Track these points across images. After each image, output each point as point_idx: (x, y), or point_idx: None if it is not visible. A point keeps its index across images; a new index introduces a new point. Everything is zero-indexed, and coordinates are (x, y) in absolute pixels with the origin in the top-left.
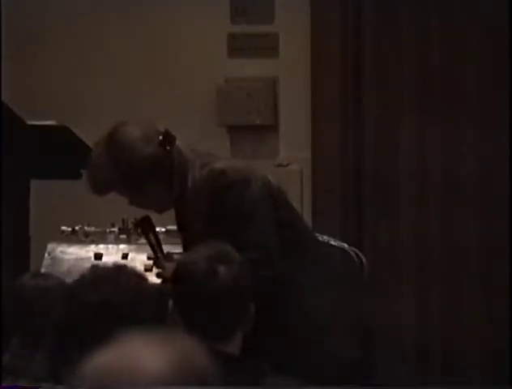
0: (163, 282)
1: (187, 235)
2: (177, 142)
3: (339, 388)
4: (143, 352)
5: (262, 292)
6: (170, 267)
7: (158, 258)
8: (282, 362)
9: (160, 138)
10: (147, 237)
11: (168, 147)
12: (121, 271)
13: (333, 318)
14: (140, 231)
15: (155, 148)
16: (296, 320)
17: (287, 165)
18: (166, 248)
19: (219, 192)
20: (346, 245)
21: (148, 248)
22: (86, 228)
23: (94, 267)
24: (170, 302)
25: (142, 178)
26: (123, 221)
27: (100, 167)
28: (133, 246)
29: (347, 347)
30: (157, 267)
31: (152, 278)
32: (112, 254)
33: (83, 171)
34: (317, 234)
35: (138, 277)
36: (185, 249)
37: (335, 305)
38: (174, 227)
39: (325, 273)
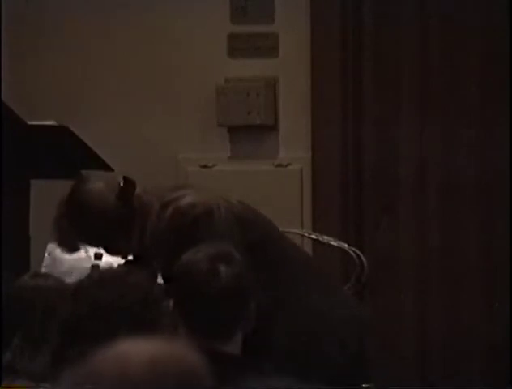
0: None
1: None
2: (138, 187)
3: (339, 388)
4: (129, 350)
5: None
6: None
7: None
8: (282, 362)
9: (121, 185)
10: None
11: (128, 198)
12: (128, 273)
13: (325, 316)
14: None
15: (115, 203)
16: (290, 321)
17: (287, 165)
18: None
19: (185, 230)
20: (346, 245)
21: None
22: None
23: (98, 267)
24: (171, 302)
25: (108, 234)
26: None
27: (65, 229)
28: None
29: (346, 346)
30: None
31: None
32: None
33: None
34: (317, 234)
35: (145, 278)
36: None
37: (324, 304)
38: None
39: (302, 289)
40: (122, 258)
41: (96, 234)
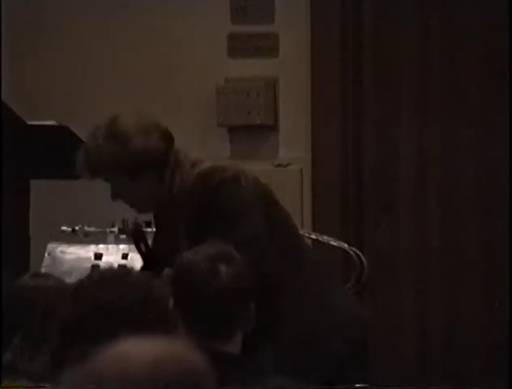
0: None
1: (164, 237)
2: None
3: (339, 388)
4: (130, 350)
5: (267, 285)
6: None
7: (147, 264)
8: (282, 362)
9: (161, 133)
10: (137, 246)
11: (166, 145)
12: (128, 273)
13: (325, 315)
14: (131, 239)
15: (154, 142)
16: (290, 320)
17: (287, 165)
18: None
19: (210, 190)
20: (346, 245)
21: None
22: (86, 228)
23: (98, 267)
24: (171, 301)
25: (136, 169)
26: (123, 221)
27: (94, 150)
28: (133, 246)
29: (346, 341)
30: None
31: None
32: (112, 254)
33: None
34: (317, 234)
35: (145, 279)
36: (157, 252)
37: (326, 303)
38: None
39: (313, 272)
40: (139, 211)
41: (129, 165)
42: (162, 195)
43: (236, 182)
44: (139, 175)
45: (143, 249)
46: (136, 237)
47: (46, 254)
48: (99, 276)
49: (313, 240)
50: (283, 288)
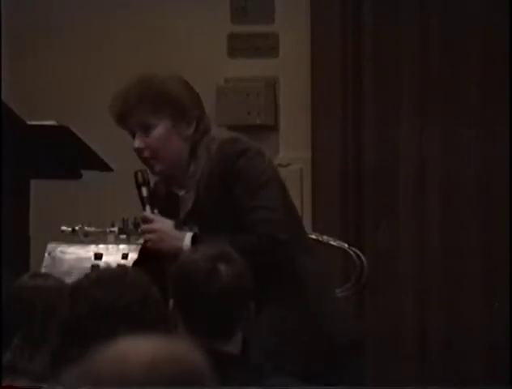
0: (144, 239)
1: (171, 203)
2: None
3: (340, 388)
4: (128, 350)
5: (278, 257)
6: (158, 223)
7: (145, 210)
8: (282, 361)
9: (197, 96)
10: (139, 190)
11: (201, 105)
12: (127, 272)
13: (324, 315)
14: (135, 182)
15: (199, 103)
16: (296, 308)
17: (287, 165)
18: None
19: (232, 158)
20: (346, 245)
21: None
22: (86, 228)
23: (98, 267)
24: (171, 301)
25: (171, 110)
26: (123, 221)
27: (127, 92)
28: (133, 246)
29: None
30: (144, 222)
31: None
32: (112, 254)
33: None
34: (317, 234)
35: (143, 278)
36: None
37: (331, 292)
38: None
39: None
40: (153, 171)
41: (175, 107)
42: (184, 154)
43: (260, 155)
44: (172, 124)
45: (145, 193)
46: (140, 180)
47: (46, 254)
48: (96, 276)
49: (313, 240)
50: (286, 271)
